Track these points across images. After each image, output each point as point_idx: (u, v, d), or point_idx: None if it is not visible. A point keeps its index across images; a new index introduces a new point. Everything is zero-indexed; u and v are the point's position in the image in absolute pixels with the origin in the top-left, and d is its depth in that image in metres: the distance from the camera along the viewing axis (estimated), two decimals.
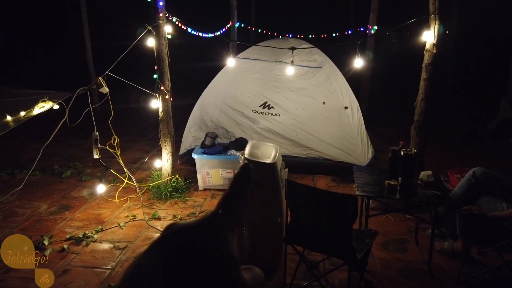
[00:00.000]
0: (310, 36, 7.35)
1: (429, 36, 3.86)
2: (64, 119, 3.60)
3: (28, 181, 4.95)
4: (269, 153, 3.20)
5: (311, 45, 5.76)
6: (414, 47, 4.52)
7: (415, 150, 3.19)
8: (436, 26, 3.81)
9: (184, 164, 5.59)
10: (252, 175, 1.36)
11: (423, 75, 4.02)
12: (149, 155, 5.69)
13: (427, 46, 3.92)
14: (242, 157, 3.13)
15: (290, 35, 6.67)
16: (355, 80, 6.00)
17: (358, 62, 4.31)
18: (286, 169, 3.39)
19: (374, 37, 7.99)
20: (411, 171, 3.15)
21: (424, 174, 3.24)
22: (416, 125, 4.17)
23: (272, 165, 3.05)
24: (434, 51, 3.88)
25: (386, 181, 3.16)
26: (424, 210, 3.88)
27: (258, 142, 3.48)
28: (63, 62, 11.22)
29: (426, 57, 3.96)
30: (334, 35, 7.75)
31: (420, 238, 3.68)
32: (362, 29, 7.83)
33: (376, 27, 7.77)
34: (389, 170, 3.26)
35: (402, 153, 3.17)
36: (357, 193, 3.07)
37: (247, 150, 3.19)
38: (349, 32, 8.50)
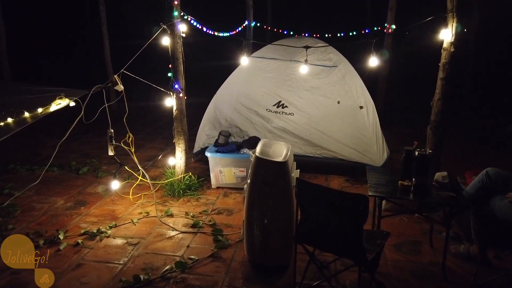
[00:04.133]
0: (326, 36, 7.31)
1: (446, 35, 3.78)
2: (80, 116, 3.66)
3: (46, 177, 5.11)
4: (280, 152, 3.18)
5: (326, 44, 5.71)
6: (432, 45, 4.43)
7: (430, 151, 3.13)
8: (454, 24, 3.72)
9: (198, 162, 5.62)
10: None
11: (440, 74, 3.94)
12: (163, 152, 5.74)
13: (445, 45, 3.84)
14: (254, 155, 3.13)
15: (306, 34, 6.63)
16: (371, 80, 5.92)
17: (373, 61, 4.25)
18: (298, 169, 3.37)
19: (391, 36, 7.86)
20: (425, 171, 3.09)
21: (439, 175, 3.18)
22: (432, 126, 4.09)
23: (283, 164, 3.03)
24: (452, 50, 3.79)
25: (400, 182, 3.11)
26: (438, 211, 3.80)
27: (270, 141, 3.47)
28: (81, 61, 11.45)
29: (443, 56, 3.87)
30: (351, 34, 7.70)
31: (435, 241, 3.60)
32: (379, 28, 7.75)
33: (394, 26, 7.65)
34: (403, 171, 3.20)
35: (416, 153, 3.12)
36: (369, 193, 3.02)
37: (258, 148, 3.19)
38: (367, 31, 8.42)
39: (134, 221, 3.95)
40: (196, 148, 5.64)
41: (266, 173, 3.05)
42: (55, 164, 5.47)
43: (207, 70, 10.11)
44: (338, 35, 7.63)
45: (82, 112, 3.67)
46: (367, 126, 5.20)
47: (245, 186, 3.26)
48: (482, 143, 6.94)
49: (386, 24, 7.76)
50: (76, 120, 3.65)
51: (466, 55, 9.84)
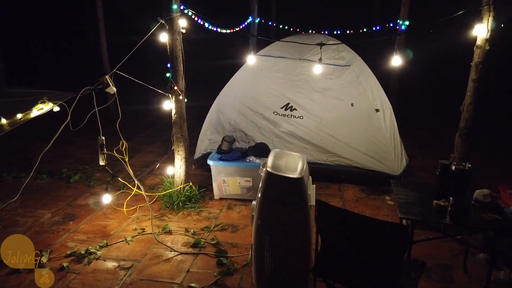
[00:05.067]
0: (335, 32, 6.87)
1: (481, 31, 3.33)
2: (66, 122, 3.23)
3: (34, 186, 4.70)
4: (294, 165, 2.75)
5: (338, 41, 5.27)
6: (448, 45, 4.00)
7: (469, 165, 2.69)
8: (490, 19, 3.27)
9: (199, 169, 5.20)
10: None
11: (472, 75, 3.50)
12: (161, 159, 5.31)
13: (478, 42, 3.40)
14: (264, 169, 2.70)
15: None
16: (382, 80, 5.46)
17: (396, 60, 3.82)
18: (314, 185, 2.94)
19: (405, 34, 7.40)
20: (464, 189, 2.66)
21: (479, 193, 2.74)
22: (462, 133, 3.65)
23: (299, 180, 2.60)
24: (487, 47, 3.35)
25: (435, 201, 2.67)
26: (476, 234, 3.35)
27: (282, 151, 3.03)
28: (77, 59, 10.99)
29: (477, 55, 3.43)
30: (361, 31, 7.25)
31: (469, 264, 3.16)
32: (391, 24, 7.30)
33: (407, 23, 7.20)
34: (438, 188, 2.76)
35: (454, 167, 2.68)
36: (399, 215, 2.59)
37: (269, 161, 2.75)
38: (377, 28, 7.97)
39: (128, 239, 3.53)
40: (197, 154, 5.21)
41: (279, 190, 2.62)
42: (45, 171, 5.06)
43: (209, 69, 9.62)
44: (348, 32, 7.22)
45: (69, 117, 3.25)
46: (383, 130, 4.77)
47: (254, 203, 2.83)
48: (506, 149, 6.44)
49: (399, 21, 7.30)
50: (62, 127, 3.22)
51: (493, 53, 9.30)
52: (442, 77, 9.89)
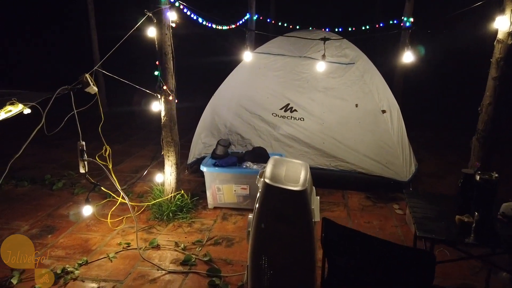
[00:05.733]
0: (336, 30, 6.54)
1: (503, 23, 3.00)
2: (40, 125, 2.88)
3: (14, 194, 4.38)
4: (296, 175, 2.41)
5: (341, 37, 4.92)
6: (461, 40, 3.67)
7: (496, 175, 2.35)
8: None
9: (193, 175, 4.86)
10: None
11: (492, 72, 3.16)
12: (148, 168, 4.88)
13: (500, 36, 3.06)
14: (261, 180, 2.35)
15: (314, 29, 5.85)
16: (385, 78, 5.11)
17: (408, 57, 3.47)
18: (318, 197, 2.60)
19: (408, 31, 7.07)
20: (491, 202, 2.32)
21: (507, 207, 2.39)
22: (479, 136, 3.32)
23: (302, 194, 2.25)
24: (510, 42, 3.01)
25: (457, 217, 2.32)
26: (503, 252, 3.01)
27: (281, 159, 2.69)
28: (66, 56, 10.60)
29: (498, 50, 3.10)
30: (364, 28, 6.93)
31: (492, 284, 2.82)
32: (395, 21, 6.97)
33: (412, 19, 6.87)
34: (461, 201, 2.42)
35: (478, 177, 2.34)
36: (418, 233, 2.24)
37: (268, 170, 2.41)
38: (380, 25, 7.65)
39: (111, 256, 3.17)
40: (191, 159, 4.87)
41: (279, 205, 2.28)
42: (27, 178, 4.70)
43: (204, 67, 9.24)
44: (350, 29, 6.91)
45: (43, 121, 2.90)
46: (390, 133, 4.43)
47: (250, 217, 2.49)
48: None
49: (403, 17, 6.98)
50: (35, 131, 2.86)
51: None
52: (452, 74, 9.55)
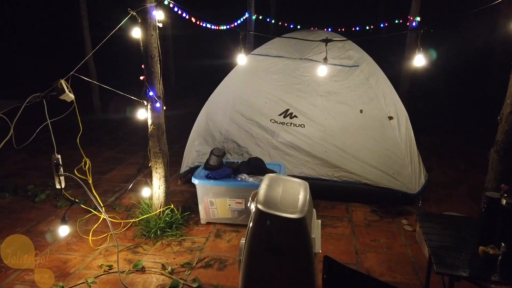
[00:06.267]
0: (339, 30, 6.23)
1: None
2: (8, 136, 2.58)
3: None
4: (294, 198, 2.10)
5: (344, 38, 4.60)
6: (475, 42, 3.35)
7: None
8: None
9: (186, 185, 4.55)
10: None
11: None
12: (135, 179, 4.51)
13: None
14: (254, 205, 2.04)
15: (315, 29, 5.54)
16: (390, 81, 4.81)
17: (419, 60, 3.15)
18: (319, 220, 2.28)
19: (416, 32, 6.74)
20: None
21: None
22: (499, 148, 2.99)
23: (300, 222, 1.94)
24: None
25: (481, 248, 2.01)
26: None
27: (277, 176, 2.38)
28: (58, 59, 10.32)
29: None
30: (367, 28, 6.64)
31: None
32: (401, 21, 6.66)
33: (418, 18, 6.54)
34: (484, 229, 2.10)
35: (505, 202, 2.02)
36: (436, 269, 1.93)
37: (261, 193, 2.09)
38: (384, 25, 7.34)
39: (90, 281, 2.87)
40: (184, 168, 4.56)
41: (273, 235, 1.97)
42: (9, 188, 4.42)
43: (197, 71, 8.89)
44: (353, 29, 6.61)
45: (11, 131, 2.60)
46: (398, 141, 4.11)
47: (242, 242, 2.17)
48: None
49: (409, 17, 6.65)
50: (3, 142, 2.56)
51: None
52: (463, 77, 9.21)
